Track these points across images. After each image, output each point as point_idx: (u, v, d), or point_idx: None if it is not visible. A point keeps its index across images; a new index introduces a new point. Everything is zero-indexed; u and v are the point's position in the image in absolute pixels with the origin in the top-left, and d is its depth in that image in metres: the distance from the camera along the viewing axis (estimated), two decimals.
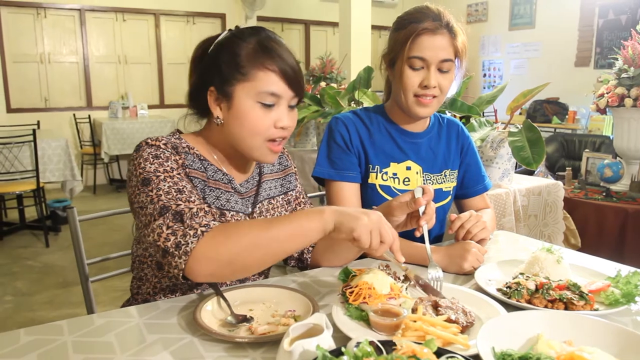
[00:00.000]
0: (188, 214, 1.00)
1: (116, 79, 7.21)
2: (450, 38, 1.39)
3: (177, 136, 1.20)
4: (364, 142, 1.53)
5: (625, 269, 1.18)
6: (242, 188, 1.25)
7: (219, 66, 1.13)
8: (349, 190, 1.50)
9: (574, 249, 2.47)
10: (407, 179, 1.53)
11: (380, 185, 1.51)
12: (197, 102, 1.19)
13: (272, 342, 0.90)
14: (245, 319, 0.98)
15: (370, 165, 1.52)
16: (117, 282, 3.35)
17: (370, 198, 1.51)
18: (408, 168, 1.54)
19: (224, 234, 0.98)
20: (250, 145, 1.15)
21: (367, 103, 3.05)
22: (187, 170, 1.13)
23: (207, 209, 1.05)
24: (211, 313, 1.01)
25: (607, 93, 2.79)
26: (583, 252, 1.52)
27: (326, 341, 0.81)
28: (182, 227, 0.98)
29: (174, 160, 1.11)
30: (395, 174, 1.53)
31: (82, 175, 6.22)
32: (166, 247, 0.97)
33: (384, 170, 1.52)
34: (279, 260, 1.07)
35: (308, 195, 1.78)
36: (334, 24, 6.19)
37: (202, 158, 1.19)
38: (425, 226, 1.16)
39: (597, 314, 1.01)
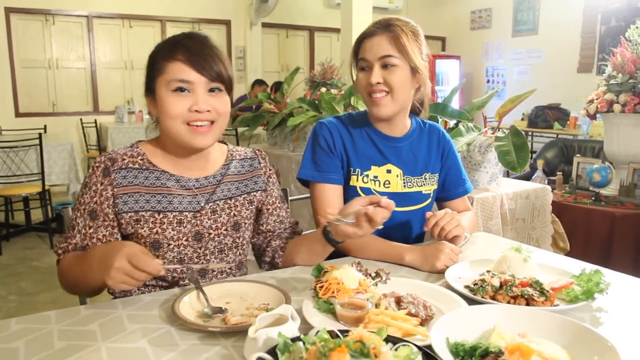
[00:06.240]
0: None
1: (122, 84, 7.34)
2: (390, 37, 1.48)
3: (132, 147, 1.33)
4: (347, 145, 1.59)
5: (590, 268, 1.23)
6: (194, 183, 1.33)
7: (147, 71, 1.28)
8: (332, 192, 1.56)
9: (563, 253, 2.51)
10: (387, 182, 1.59)
11: (360, 188, 1.57)
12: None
13: (243, 331, 0.96)
14: (220, 311, 1.05)
15: (352, 168, 1.58)
16: None
17: (351, 200, 1.56)
18: (388, 171, 1.60)
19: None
20: (173, 131, 1.24)
21: (362, 108, 3.11)
22: (114, 190, 1.25)
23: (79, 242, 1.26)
24: (189, 305, 1.08)
25: (596, 99, 2.84)
26: (572, 256, 1.56)
27: (290, 330, 0.88)
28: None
29: (95, 188, 1.25)
30: (376, 177, 1.59)
31: None
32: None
33: (365, 173, 1.58)
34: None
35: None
36: (338, 30, 6.32)
37: (145, 167, 1.29)
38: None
39: (552, 309, 1.06)
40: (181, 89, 1.22)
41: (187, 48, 1.23)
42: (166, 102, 1.23)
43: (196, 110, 1.22)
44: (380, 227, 1.19)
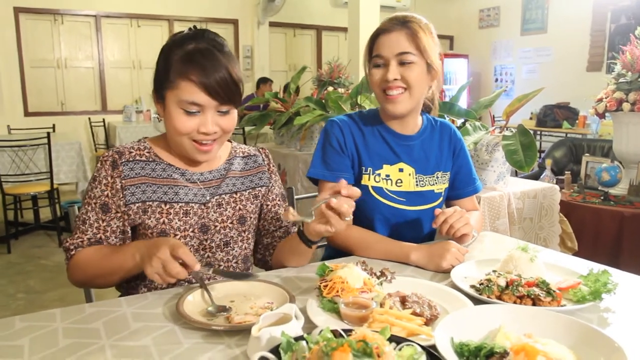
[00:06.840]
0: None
1: (130, 83, 7.38)
2: (407, 33, 1.46)
3: (138, 142, 1.34)
4: (358, 144, 1.58)
5: (598, 268, 1.22)
6: (200, 177, 1.35)
7: (157, 71, 1.28)
8: None
9: (571, 253, 2.49)
10: (399, 181, 1.57)
11: (372, 187, 1.56)
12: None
13: (246, 330, 0.96)
14: (224, 309, 1.05)
15: (363, 167, 1.57)
16: None
17: (362, 199, 1.55)
18: (400, 170, 1.58)
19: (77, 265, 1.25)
20: (178, 143, 1.28)
21: (369, 107, 3.10)
22: (122, 182, 1.27)
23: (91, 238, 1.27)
24: (193, 303, 1.07)
25: (605, 98, 2.81)
26: (580, 256, 1.55)
27: (293, 329, 0.87)
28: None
29: (106, 181, 1.27)
30: (387, 176, 1.57)
31: None
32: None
33: (377, 172, 1.57)
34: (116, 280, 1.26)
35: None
36: (345, 29, 6.32)
37: (152, 159, 1.31)
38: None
39: (559, 310, 1.05)
40: (191, 111, 1.23)
41: (202, 67, 1.20)
42: (174, 119, 1.24)
43: (203, 132, 1.24)
44: (349, 218, 1.16)
